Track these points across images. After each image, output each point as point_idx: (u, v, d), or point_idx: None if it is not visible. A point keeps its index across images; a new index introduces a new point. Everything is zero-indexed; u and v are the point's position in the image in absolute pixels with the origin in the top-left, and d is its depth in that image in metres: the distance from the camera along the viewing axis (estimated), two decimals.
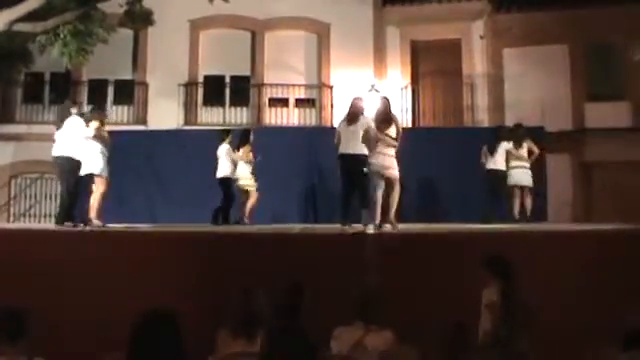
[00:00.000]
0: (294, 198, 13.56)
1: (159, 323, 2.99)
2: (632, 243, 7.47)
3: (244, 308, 4.58)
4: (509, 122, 14.74)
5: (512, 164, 12.08)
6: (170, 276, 7.05)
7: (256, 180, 12.20)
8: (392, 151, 9.36)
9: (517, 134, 12.27)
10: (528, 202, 12.02)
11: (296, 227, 10.71)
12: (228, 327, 4.57)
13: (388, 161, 9.31)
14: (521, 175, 12.03)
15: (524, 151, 12.13)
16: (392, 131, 9.44)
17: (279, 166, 12.63)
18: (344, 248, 7.56)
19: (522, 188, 12.05)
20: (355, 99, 10.06)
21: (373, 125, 9.55)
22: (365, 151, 9.50)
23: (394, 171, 9.35)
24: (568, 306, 6.64)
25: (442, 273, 6.87)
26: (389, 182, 9.35)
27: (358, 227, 9.24)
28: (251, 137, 12.35)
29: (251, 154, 12.21)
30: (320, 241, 8.10)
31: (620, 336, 4.12)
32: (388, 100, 9.99)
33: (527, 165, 12.11)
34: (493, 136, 12.42)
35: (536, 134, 13.09)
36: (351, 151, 9.59)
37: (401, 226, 9.42)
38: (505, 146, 12.10)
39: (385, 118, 9.55)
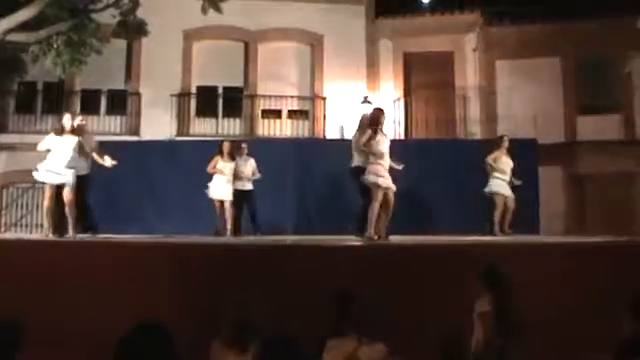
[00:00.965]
0: (286, 210, 13.52)
1: (149, 337, 2.95)
2: (624, 255, 7.50)
3: (237, 319, 4.58)
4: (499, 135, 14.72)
5: (492, 175, 12.06)
6: (163, 288, 7.03)
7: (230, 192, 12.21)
8: (381, 160, 9.32)
9: (497, 146, 12.28)
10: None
11: (289, 238, 10.70)
12: (221, 339, 4.57)
13: (380, 171, 9.28)
14: (495, 184, 12.01)
15: (492, 160, 12.07)
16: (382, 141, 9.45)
17: (271, 177, 12.59)
18: (338, 259, 7.56)
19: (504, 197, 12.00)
20: (363, 114, 10.24)
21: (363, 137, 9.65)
22: (359, 163, 9.60)
23: (377, 179, 9.23)
24: (560, 317, 6.65)
25: (435, 284, 6.88)
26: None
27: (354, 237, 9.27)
28: (225, 149, 12.32)
29: (219, 165, 12.18)
30: (313, 252, 8.09)
31: (612, 346, 4.12)
32: (377, 110, 9.98)
33: (500, 176, 11.95)
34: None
35: (528, 146, 13.14)
36: (350, 164, 9.86)
37: (394, 238, 9.43)
38: (488, 160, 12.10)
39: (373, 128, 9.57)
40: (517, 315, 5.08)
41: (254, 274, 6.90)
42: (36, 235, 13.80)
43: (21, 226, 17.20)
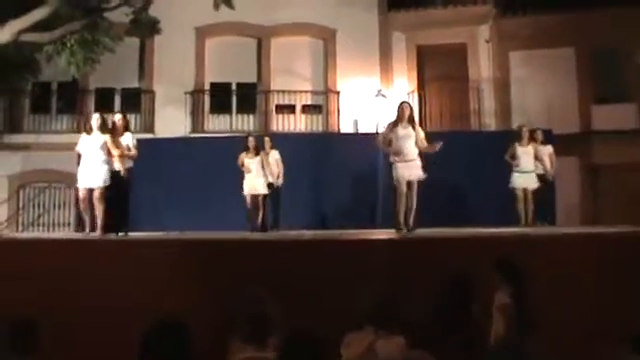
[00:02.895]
0: (302, 205, 13.50)
1: (169, 333, 2.96)
2: None
3: (255, 314, 4.58)
4: (516, 126, 14.66)
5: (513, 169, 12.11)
6: (181, 284, 7.04)
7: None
8: (400, 157, 9.47)
9: (518, 137, 12.27)
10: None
11: (306, 233, 10.69)
12: (240, 335, 4.56)
13: (399, 169, 9.50)
14: (512, 179, 12.01)
15: (509, 156, 12.09)
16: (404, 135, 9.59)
17: (286, 172, 12.58)
18: (355, 253, 7.56)
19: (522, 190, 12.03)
20: None
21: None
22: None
23: (398, 178, 9.49)
24: (578, 308, 6.62)
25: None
26: None
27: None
28: (250, 144, 12.16)
29: (245, 161, 12.04)
30: (330, 247, 8.08)
31: (630, 338, 4.10)
32: (400, 103, 10.10)
33: (517, 169, 11.97)
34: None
35: (544, 137, 13.08)
36: None
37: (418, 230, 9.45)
38: (505, 157, 12.09)
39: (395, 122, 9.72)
40: (536, 307, 5.06)
41: (271, 269, 6.90)
42: (56, 234, 13.87)
43: (38, 225, 17.27)
